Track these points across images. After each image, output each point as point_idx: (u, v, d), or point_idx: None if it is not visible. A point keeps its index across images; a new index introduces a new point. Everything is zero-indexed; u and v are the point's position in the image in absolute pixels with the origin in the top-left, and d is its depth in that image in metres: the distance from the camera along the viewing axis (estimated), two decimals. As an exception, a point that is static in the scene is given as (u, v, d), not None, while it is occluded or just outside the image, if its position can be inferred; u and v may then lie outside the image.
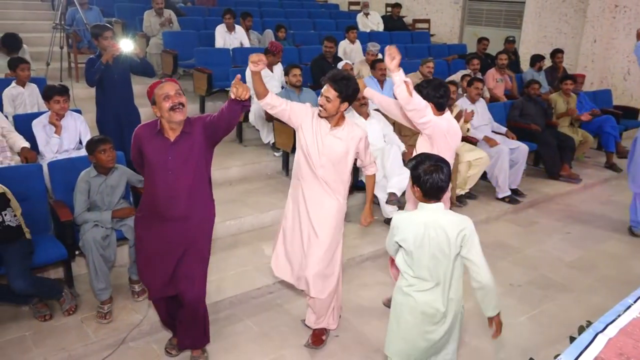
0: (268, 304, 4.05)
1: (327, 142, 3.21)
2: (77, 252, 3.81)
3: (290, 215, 3.41)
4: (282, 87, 6.45)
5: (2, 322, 3.55)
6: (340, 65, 6.36)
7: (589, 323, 1.92)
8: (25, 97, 5.06)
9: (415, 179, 2.48)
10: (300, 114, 3.26)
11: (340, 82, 3.11)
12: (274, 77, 6.49)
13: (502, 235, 5.44)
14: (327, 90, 3.13)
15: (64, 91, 4.43)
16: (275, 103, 3.22)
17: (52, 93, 4.38)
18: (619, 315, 1.47)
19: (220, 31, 7.90)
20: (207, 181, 3.04)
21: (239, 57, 7.27)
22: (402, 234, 2.50)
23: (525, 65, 9.48)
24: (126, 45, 4.58)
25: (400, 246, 2.54)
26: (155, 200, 2.94)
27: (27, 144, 4.41)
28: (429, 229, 2.45)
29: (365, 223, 3.51)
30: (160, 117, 2.87)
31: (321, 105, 3.18)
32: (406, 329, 2.56)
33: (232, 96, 2.79)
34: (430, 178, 2.43)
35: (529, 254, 5.04)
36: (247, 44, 7.97)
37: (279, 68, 6.64)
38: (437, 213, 2.47)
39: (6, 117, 4.66)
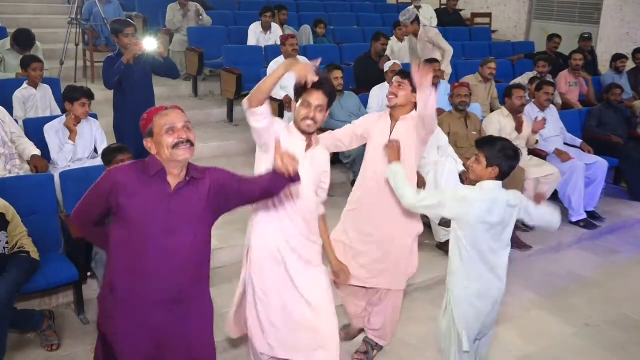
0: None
1: (306, 166, 2.92)
2: (89, 274, 3.89)
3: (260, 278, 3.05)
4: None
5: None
6: (387, 65, 6.35)
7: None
8: (37, 100, 5.24)
9: (496, 160, 2.90)
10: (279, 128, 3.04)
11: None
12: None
13: (577, 266, 5.31)
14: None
15: (90, 95, 4.61)
16: (268, 115, 2.95)
17: (80, 95, 4.56)
18: None
19: (255, 30, 8.01)
20: (209, 252, 2.60)
21: (272, 56, 7.36)
22: (480, 210, 2.87)
23: (604, 66, 9.28)
24: (149, 44, 4.69)
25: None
26: (139, 275, 2.39)
27: (38, 152, 4.55)
28: (501, 205, 2.91)
29: (345, 282, 3.34)
30: (155, 154, 2.47)
31: (392, 93, 3.34)
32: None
33: (276, 169, 2.44)
34: (513, 163, 2.95)
35: (608, 289, 4.90)
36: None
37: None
38: (502, 190, 2.97)
39: (16, 121, 4.82)
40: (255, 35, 7.99)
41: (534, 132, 5.68)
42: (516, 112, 5.72)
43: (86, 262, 3.78)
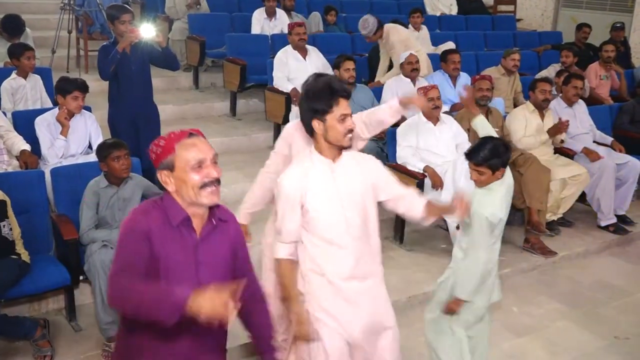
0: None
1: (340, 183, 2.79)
2: (81, 278, 3.89)
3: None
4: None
5: (-7, 359, 3.68)
6: (403, 56, 6.34)
7: None
8: (27, 91, 5.26)
9: (496, 163, 3.12)
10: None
11: None
12: (308, 67, 6.54)
13: (606, 273, 5.29)
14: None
15: (85, 87, 4.62)
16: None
17: (73, 87, 4.57)
18: None
19: (258, 17, 8.02)
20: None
21: (279, 45, 7.37)
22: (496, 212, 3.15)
23: (637, 58, 9.23)
24: (147, 31, 4.71)
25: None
26: (169, 336, 2.22)
27: (27, 147, 4.58)
28: (506, 196, 3.27)
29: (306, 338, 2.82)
30: (173, 192, 2.21)
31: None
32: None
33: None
34: (509, 154, 3.21)
35: (639, 299, 4.89)
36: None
37: (315, 54, 6.69)
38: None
39: (4, 114, 4.85)
40: (260, 23, 7.99)
41: (558, 133, 5.66)
42: (540, 108, 5.71)
43: (78, 265, 3.79)
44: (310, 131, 2.74)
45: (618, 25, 9.05)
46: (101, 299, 3.64)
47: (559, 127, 5.61)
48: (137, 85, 4.93)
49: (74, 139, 4.64)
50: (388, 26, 6.93)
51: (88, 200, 3.81)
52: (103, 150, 3.85)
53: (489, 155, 3.12)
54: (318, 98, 2.66)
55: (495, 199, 3.17)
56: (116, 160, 3.80)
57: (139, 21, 5.36)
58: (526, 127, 5.68)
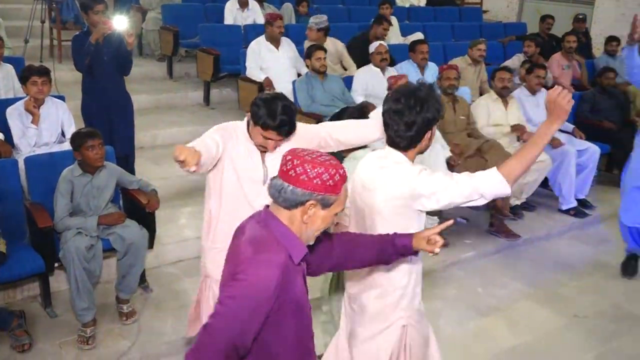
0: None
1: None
2: (56, 265, 3.87)
3: None
4: (299, 74, 6.48)
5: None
6: (372, 47, 6.35)
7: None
8: (-2, 80, 5.16)
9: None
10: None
11: None
12: (280, 57, 6.54)
13: (566, 255, 5.38)
14: None
15: (43, 72, 4.49)
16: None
17: (30, 73, 4.46)
18: None
19: (230, 8, 7.95)
20: None
21: (252, 35, 7.32)
22: None
23: (598, 49, 9.35)
24: (120, 23, 4.64)
25: None
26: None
27: (0, 136, 4.50)
28: None
29: None
30: (293, 225, 1.91)
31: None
32: None
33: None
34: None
35: (598, 279, 4.97)
36: (261, 22, 8.01)
37: (288, 45, 6.68)
38: None
39: (-24, 104, 4.76)
40: (232, 14, 7.92)
41: (517, 132, 5.76)
42: (501, 96, 5.81)
43: (53, 252, 3.76)
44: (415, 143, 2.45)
45: (580, 16, 9.16)
46: (76, 286, 3.62)
47: (520, 130, 5.70)
48: (109, 75, 4.87)
49: (46, 127, 4.57)
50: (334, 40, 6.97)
51: (62, 188, 3.77)
52: (77, 139, 3.81)
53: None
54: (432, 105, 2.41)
55: None
56: (90, 149, 3.76)
57: (112, 12, 5.27)
58: (489, 115, 5.75)
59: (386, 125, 2.44)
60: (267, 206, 1.96)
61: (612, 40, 8.18)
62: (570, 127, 6.47)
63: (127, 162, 4.97)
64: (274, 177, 1.89)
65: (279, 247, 1.86)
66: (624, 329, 4.28)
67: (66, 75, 6.55)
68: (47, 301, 3.97)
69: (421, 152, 2.52)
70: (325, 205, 1.87)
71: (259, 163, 2.92)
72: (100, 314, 3.85)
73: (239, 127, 2.96)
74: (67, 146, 4.30)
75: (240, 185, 2.91)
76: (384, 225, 2.41)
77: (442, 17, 10.13)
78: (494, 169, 2.34)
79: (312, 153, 1.88)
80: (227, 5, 7.94)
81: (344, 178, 1.89)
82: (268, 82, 6.26)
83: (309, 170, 1.82)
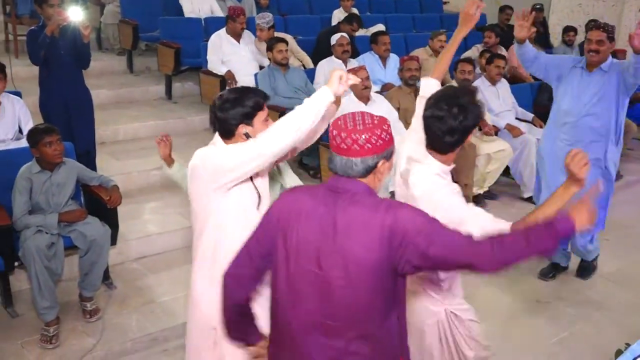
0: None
1: None
2: (16, 264, 3.80)
3: None
4: (261, 66, 6.46)
5: None
6: (334, 38, 6.37)
7: (628, 346, 1.95)
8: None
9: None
10: None
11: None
12: (241, 50, 6.51)
13: (528, 242, 5.46)
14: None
15: None
16: None
17: None
18: (662, 337, 1.49)
19: None
20: None
21: (213, 28, 7.27)
22: None
23: (556, 39, 9.52)
24: (75, 14, 4.57)
25: None
26: None
27: (-45, 134, 4.39)
28: None
29: None
30: (371, 182, 1.94)
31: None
32: None
33: None
34: None
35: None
36: (218, 11, 7.94)
37: (248, 38, 6.66)
38: None
39: None
40: (190, 4, 7.84)
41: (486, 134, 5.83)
42: None
43: (12, 251, 3.69)
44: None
45: (537, 6, 9.29)
46: (37, 284, 3.56)
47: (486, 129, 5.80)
48: (67, 69, 4.79)
49: (2, 124, 4.47)
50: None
51: (20, 186, 3.70)
52: (34, 135, 3.73)
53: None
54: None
55: None
56: (48, 146, 3.69)
57: (68, 4, 5.17)
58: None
59: (427, 129, 2.41)
60: (333, 189, 1.93)
61: (569, 30, 8.34)
62: (529, 116, 6.58)
63: (88, 158, 4.90)
64: (336, 157, 1.91)
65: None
66: (584, 314, 4.38)
67: (23, 70, 6.40)
68: (8, 301, 3.90)
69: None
70: (390, 156, 1.95)
71: (252, 187, 2.64)
72: (63, 312, 3.80)
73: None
74: (24, 143, 4.21)
75: (244, 210, 2.59)
76: None
77: (403, 8, 10.19)
78: (509, 225, 2.31)
79: (353, 121, 1.91)
80: None
81: (389, 130, 1.95)
82: (230, 75, 6.22)
83: (367, 137, 1.87)
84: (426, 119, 2.39)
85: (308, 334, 1.92)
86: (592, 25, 4.25)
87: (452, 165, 2.49)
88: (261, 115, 2.54)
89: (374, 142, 1.87)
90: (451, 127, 2.33)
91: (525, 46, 4.29)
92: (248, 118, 2.50)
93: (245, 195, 2.57)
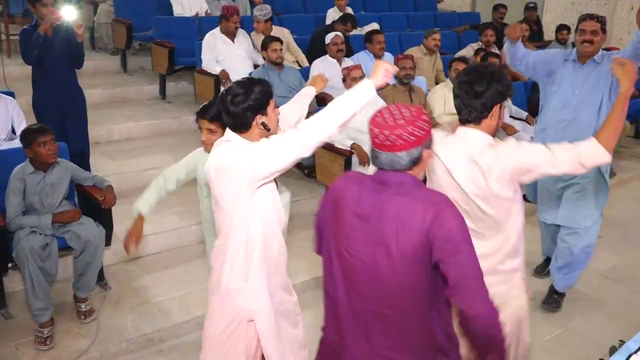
0: (243, 325, 4.05)
1: None
2: (10, 265, 3.79)
3: None
4: (255, 65, 6.45)
5: None
6: (329, 37, 6.36)
7: (622, 343, 1.95)
8: (-55, 77, 5.01)
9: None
10: None
11: None
12: (236, 49, 6.50)
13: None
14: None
15: None
16: None
17: None
18: (657, 334, 1.50)
19: None
20: None
21: (207, 27, 7.25)
22: None
23: (549, 37, 9.54)
24: (68, 13, 4.55)
25: None
26: None
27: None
28: None
29: None
30: (415, 172, 2.02)
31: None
32: None
33: None
34: None
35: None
36: (204, 9, 7.92)
37: (242, 37, 6.65)
38: None
39: None
40: (179, 2, 7.82)
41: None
42: None
43: (6, 252, 3.67)
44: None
45: (531, 5, 9.33)
46: (31, 285, 3.54)
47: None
48: (60, 69, 4.77)
49: (-5, 124, 4.46)
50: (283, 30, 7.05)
51: (13, 187, 3.68)
52: (28, 135, 3.71)
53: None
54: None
55: None
56: (42, 146, 3.67)
57: (62, 3, 5.16)
58: (445, 103, 5.81)
59: (454, 96, 2.57)
60: (381, 181, 1.99)
61: (562, 28, 8.35)
62: (524, 114, 6.59)
63: (82, 158, 4.89)
64: (381, 154, 1.95)
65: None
66: (579, 311, 4.39)
67: (16, 70, 6.38)
68: (1, 302, 3.88)
69: (493, 135, 2.56)
70: (431, 144, 2.01)
71: (273, 182, 2.68)
72: (57, 314, 3.78)
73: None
74: (17, 143, 4.20)
75: (272, 204, 2.65)
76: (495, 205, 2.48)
77: (397, 7, 10.19)
78: (592, 139, 2.47)
79: (391, 115, 1.96)
80: None
81: (428, 120, 2.00)
82: (224, 75, 6.21)
83: (410, 130, 1.92)
84: (456, 89, 2.56)
85: (358, 318, 2.00)
86: (585, 15, 4.10)
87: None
88: (272, 103, 2.57)
89: (417, 133, 1.92)
90: (480, 89, 2.46)
91: (516, 44, 4.21)
92: (262, 108, 2.52)
93: (271, 189, 2.62)
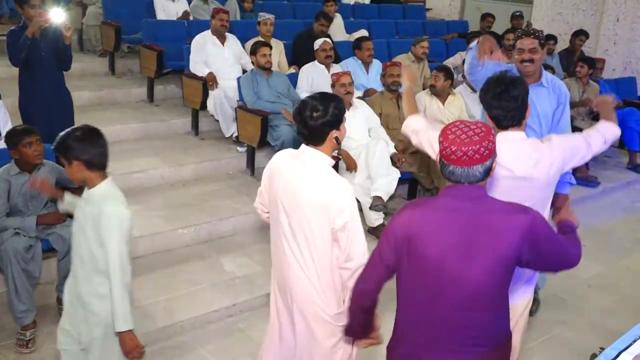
0: (227, 330, 4.05)
1: None
2: (-7, 267, 3.75)
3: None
4: (244, 70, 6.47)
5: None
6: (317, 43, 6.38)
7: (602, 350, 1.97)
8: None
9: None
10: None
11: None
12: (225, 53, 6.52)
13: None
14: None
15: None
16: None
17: None
18: (635, 341, 1.52)
19: (159, 2, 7.84)
20: None
21: (196, 31, 7.26)
22: None
23: (536, 47, 9.61)
24: (56, 16, 4.53)
25: None
26: None
27: None
28: None
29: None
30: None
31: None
32: None
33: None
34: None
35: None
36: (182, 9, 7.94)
37: (233, 41, 6.66)
38: None
39: None
40: (162, 6, 7.82)
41: None
42: (436, 94, 5.93)
43: (-10, 254, 3.65)
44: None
45: (517, 13, 9.41)
46: (14, 287, 3.53)
47: None
48: (47, 70, 4.76)
49: (-20, 125, 4.43)
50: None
51: (-2, 188, 3.66)
52: (13, 136, 3.69)
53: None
54: None
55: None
56: (28, 147, 3.65)
57: (50, 5, 5.14)
58: (425, 110, 5.86)
59: (492, 108, 2.79)
60: (462, 198, 2.14)
61: (549, 39, 8.42)
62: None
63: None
64: (457, 169, 2.10)
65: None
66: (562, 318, 4.42)
67: (2, 71, 6.34)
68: (-17, 304, 3.85)
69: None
70: (496, 154, 2.17)
71: None
72: (40, 316, 3.76)
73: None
74: (2, 145, 4.17)
75: None
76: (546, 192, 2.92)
77: (386, 14, 10.24)
78: (603, 121, 3.13)
79: (464, 133, 2.10)
80: (155, 0, 7.83)
81: (488, 125, 2.20)
82: (211, 77, 6.22)
83: (485, 145, 2.08)
84: (490, 101, 2.79)
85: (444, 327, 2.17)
86: (522, 32, 3.78)
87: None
88: (344, 118, 2.67)
89: (490, 147, 2.09)
90: (514, 94, 2.74)
91: (480, 60, 3.99)
92: (338, 123, 2.61)
93: None
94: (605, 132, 3.05)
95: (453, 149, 2.07)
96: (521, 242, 2.07)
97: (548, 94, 3.84)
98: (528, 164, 2.78)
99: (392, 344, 2.35)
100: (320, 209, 2.55)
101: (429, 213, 2.18)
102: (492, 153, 2.11)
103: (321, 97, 2.63)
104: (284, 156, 2.75)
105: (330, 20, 7.45)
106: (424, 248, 2.12)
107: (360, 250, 2.58)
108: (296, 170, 2.64)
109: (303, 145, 2.66)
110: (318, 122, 2.55)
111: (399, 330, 2.30)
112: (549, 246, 2.14)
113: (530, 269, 2.29)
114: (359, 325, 2.48)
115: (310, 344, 2.73)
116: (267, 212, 2.85)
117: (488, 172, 2.13)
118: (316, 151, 2.62)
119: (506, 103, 2.73)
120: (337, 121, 2.60)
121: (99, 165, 2.68)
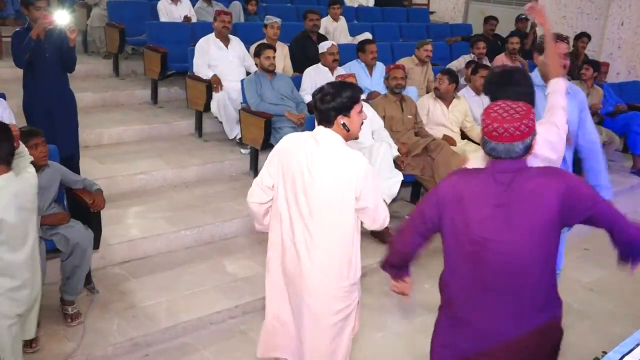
0: (229, 331, 4.06)
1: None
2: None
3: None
4: (248, 72, 6.48)
5: None
6: (324, 46, 6.39)
7: (604, 354, 1.98)
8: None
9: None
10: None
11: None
12: (229, 55, 6.54)
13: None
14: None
15: None
16: None
17: None
18: (637, 345, 1.53)
19: (164, 4, 7.86)
20: None
21: (200, 33, 7.28)
22: None
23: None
24: (61, 18, 4.55)
25: None
26: None
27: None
28: None
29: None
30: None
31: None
32: None
33: None
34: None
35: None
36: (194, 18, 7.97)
37: (237, 43, 6.68)
38: None
39: None
40: (165, 10, 7.83)
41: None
42: (439, 97, 5.94)
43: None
44: None
45: (522, 16, 9.41)
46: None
47: (449, 140, 5.83)
48: (51, 72, 4.77)
49: (-15, 126, 4.44)
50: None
51: (3, 188, 3.67)
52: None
53: None
54: None
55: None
56: (34, 148, 3.66)
57: (55, 7, 5.16)
58: (428, 114, 5.86)
59: (499, 96, 2.73)
60: (502, 170, 2.28)
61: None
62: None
63: (71, 161, 4.88)
64: (499, 145, 2.24)
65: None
66: (564, 322, 4.40)
67: (6, 72, 6.37)
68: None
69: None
70: (536, 133, 2.30)
71: None
72: (43, 316, 3.75)
73: None
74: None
75: None
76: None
77: (390, 17, 10.26)
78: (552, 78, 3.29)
79: (506, 111, 2.25)
80: (159, 5, 7.83)
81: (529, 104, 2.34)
82: (215, 80, 6.24)
83: (526, 123, 2.22)
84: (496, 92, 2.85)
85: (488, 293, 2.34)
86: (556, 37, 3.93)
87: None
88: (357, 107, 2.82)
89: (530, 125, 2.23)
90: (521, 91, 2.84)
91: None
92: (346, 110, 2.78)
93: None
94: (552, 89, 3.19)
95: (495, 126, 2.21)
96: (559, 204, 2.20)
97: (570, 100, 3.86)
98: (547, 143, 2.90)
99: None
100: (343, 182, 2.75)
101: (474, 178, 2.34)
102: (532, 131, 2.24)
103: (339, 84, 2.84)
104: (293, 137, 2.93)
105: (317, 12, 7.48)
106: (468, 210, 2.28)
107: (384, 215, 2.85)
108: (309, 150, 2.80)
109: (317, 126, 2.85)
110: (324, 106, 2.76)
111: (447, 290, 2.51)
112: (588, 203, 2.27)
113: (592, 225, 2.45)
114: (394, 266, 2.70)
115: (318, 323, 2.90)
116: (265, 203, 3.06)
117: (528, 149, 2.26)
118: (329, 130, 2.80)
119: (515, 87, 2.82)
120: (343, 108, 2.76)
121: (6, 161, 2.86)
